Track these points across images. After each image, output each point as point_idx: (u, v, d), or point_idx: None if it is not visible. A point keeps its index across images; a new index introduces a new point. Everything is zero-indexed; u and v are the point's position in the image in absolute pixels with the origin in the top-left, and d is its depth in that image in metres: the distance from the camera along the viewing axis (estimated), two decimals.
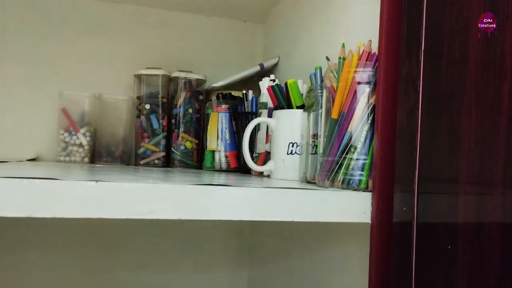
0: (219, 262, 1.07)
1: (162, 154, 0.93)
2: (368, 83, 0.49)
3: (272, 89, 0.68)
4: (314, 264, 0.70)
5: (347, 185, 0.49)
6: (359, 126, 0.49)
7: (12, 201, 0.38)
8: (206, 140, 0.88)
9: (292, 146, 0.63)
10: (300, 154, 0.62)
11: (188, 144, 0.93)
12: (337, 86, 0.50)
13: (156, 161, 0.93)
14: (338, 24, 0.68)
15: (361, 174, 0.49)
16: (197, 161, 0.95)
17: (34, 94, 0.95)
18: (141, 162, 0.93)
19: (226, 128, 0.85)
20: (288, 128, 0.63)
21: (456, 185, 0.39)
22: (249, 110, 0.83)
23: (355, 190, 0.49)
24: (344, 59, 0.51)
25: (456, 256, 0.39)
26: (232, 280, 1.07)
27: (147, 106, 0.93)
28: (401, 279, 0.45)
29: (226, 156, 0.85)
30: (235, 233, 1.06)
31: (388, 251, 0.47)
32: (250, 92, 0.85)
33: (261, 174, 0.73)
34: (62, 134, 0.92)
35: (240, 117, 0.84)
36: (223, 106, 0.86)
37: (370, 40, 0.51)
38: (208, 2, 1.01)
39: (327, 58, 0.56)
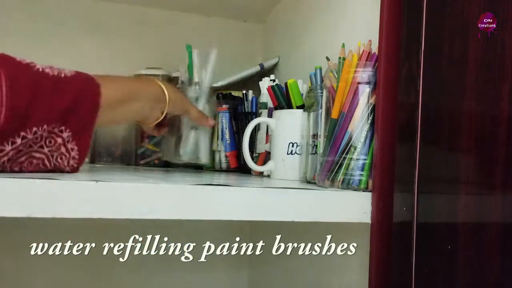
0: (219, 262, 1.07)
1: None
2: (368, 83, 0.49)
3: (272, 89, 0.68)
4: (314, 264, 0.70)
5: (347, 185, 0.49)
6: (359, 126, 0.49)
7: (12, 201, 0.38)
8: None
9: (292, 146, 0.63)
10: (300, 154, 0.62)
11: None
12: (337, 86, 0.50)
13: (156, 161, 0.93)
14: (338, 24, 0.68)
15: (361, 174, 0.49)
16: None
17: None
18: (141, 162, 0.93)
19: (226, 128, 0.85)
20: (288, 128, 0.63)
21: (456, 185, 0.39)
22: (249, 110, 0.83)
23: (355, 190, 0.49)
24: (344, 59, 0.51)
25: (456, 256, 0.39)
26: (232, 280, 1.07)
27: None
28: (401, 279, 0.45)
29: (226, 156, 0.85)
30: (235, 233, 1.06)
31: (388, 251, 0.47)
32: (250, 92, 0.85)
33: (261, 174, 0.73)
34: None
35: (240, 117, 0.84)
36: (223, 106, 0.86)
37: (370, 40, 0.51)
38: (208, 2, 1.01)
39: (327, 58, 0.56)
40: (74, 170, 0.51)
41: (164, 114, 0.64)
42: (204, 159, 0.78)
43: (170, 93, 0.63)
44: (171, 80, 0.95)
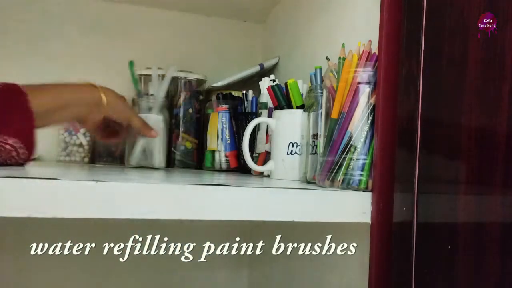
0: (219, 262, 1.07)
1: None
2: (368, 83, 0.49)
3: (272, 89, 0.68)
4: (314, 264, 0.70)
5: (347, 185, 0.49)
6: (359, 126, 0.49)
7: (12, 201, 0.38)
8: (206, 140, 0.88)
9: (292, 146, 0.63)
10: (300, 154, 0.62)
11: (188, 144, 0.93)
12: (337, 86, 0.50)
13: None
14: (338, 24, 0.68)
15: (361, 174, 0.49)
16: (197, 161, 0.95)
17: None
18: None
19: (226, 128, 0.85)
20: (288, 128, 0.63)
21: (456, 185, 0.39)
22: (249, 110, 0.83)
23: (355, 190, 0.49)
24: (344, 59, 0.51)
25: (456, 256, 0.39)
26: (232, 280, 1.07)
27: None
28: (401, 279, 0.45)
29: (226, 156, 0.85)
30: (235, 233, 1.06)
31: (388, 251, 0.47)
32: (250, 92, 0.85)
33: (261, 174, 0.73)
34: (62, 134, 0.91)
35: (240, 117, 0.84)
36: (223, 106, 0.86)
37: (370, 40, 0.51)
38: (208, 2, 1.01)
39: (327, 58, 0.56)
40: (20, 165, 0.57)
41: (102, 117, 0.69)
42: (157, 163, 0.82)
43: (110, 99, 0.68)
44: (171, 80, 0.95)
